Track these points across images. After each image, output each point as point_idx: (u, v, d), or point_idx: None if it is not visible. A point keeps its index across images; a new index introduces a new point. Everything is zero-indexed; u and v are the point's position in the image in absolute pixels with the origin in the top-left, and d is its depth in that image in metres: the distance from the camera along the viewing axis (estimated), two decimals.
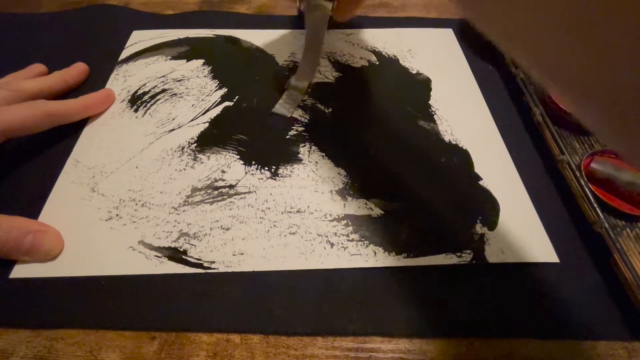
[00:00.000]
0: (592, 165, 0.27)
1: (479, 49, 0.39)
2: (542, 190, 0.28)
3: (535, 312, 0.22)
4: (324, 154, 0.30)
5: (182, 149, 0.30)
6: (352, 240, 0.25)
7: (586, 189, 0.26)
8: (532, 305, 0.23)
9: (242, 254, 0.24)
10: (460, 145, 0.30)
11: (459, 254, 0.24)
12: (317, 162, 0.29)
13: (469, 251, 0.24)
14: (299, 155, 0.29)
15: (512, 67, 0.35)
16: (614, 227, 0.25)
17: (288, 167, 0.29)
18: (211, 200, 0.27)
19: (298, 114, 0.33)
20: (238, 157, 0.29)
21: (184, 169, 0.28)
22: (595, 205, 0.25)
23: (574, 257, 0.24)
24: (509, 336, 0.22)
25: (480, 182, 0.28)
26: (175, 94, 0.34)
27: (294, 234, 0.25)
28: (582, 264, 0.24)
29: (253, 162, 0.29)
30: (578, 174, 0.26)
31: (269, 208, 0.26)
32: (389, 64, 0.38)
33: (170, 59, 0.37)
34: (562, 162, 0.28)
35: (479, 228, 0.26)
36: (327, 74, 0.36)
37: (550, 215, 0.26)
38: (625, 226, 0.25)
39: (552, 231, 0.25)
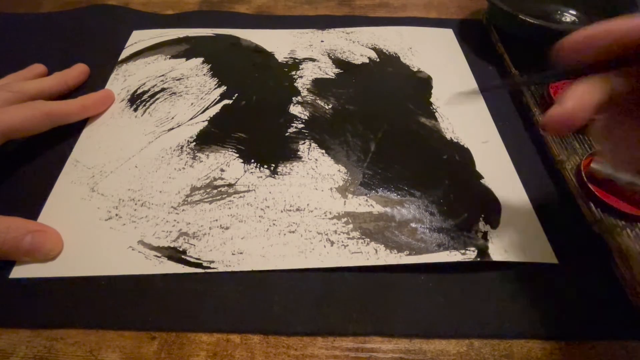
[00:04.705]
0: (592, 165, 0.27)
1: (479, 49, 0.39)
2: (541, 191, 0.28)
3: (535, 313, 0.22)
4: (323, 152, 0.30)
5: (181, 147, 0.30)
6: (353, 238, 0.25)
7: (586, 189, 0.25)
8: (532, 306, 0.23)
9: (241, 253, 0.24)
10: (461, 143, 0.30)
11: (462, 251, 0.24)
12: (316, 160, 0.29)
13: (472, 249, 0.24)
14: (299, 153, 0.29)
15: (512, 67, 0.35)
16: (614, 227, 0.25)
17: (287, 165, 0.29)
18: (210, 199, 0.27)
19: (297, 110, 0.33)
20: (237, 155, 0.29)
21: (183, 168, 0.28)
22: (595, 206, 0.25)
23: (573, 258, 0.24)
24: (510, 336, 0.22)
25: (482, 181, 0.28)
26: (174, 93, 0.34)
27: (293, 232, 0.25)
28: (582, 264, 0.24)
29: (252, 161, 0.29)
30: (578, 174, 0.26)
31: (268, 206, 0.26)
32: (389, 61, 0.38)
33: (170, 58, 0.37)
34: (561, 162, 0.28)
35: (482, 226, 0.25)
36: (327, 70, 0.36)
37: (550, 216, 0.26)
38: (625, 226, 0.25)
39: (551, 232, 0.25)
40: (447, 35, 0.41)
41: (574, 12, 0.41)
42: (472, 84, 0.35)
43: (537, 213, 0.26)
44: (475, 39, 0.40)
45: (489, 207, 0.26)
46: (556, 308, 0.22)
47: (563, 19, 0.41)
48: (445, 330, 0.22)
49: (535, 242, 0.25)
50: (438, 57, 0.38)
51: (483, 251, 0.24)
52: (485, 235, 0.25)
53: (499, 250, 0.24)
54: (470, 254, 0.24)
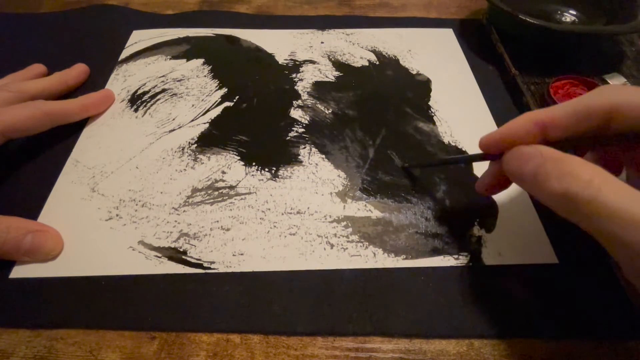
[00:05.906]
0: None
1: (479, 49, 0.39)
2: None
3: (535, 313, 0.22)
4: (324, 157, 0.30)
5: (183, 149, 0.30)
6: (352, 241, 0.25)
7: None
8: (532, 306, 0.23)
9: (242, 254, 0.24)
10: (459, 147, 0.30)
11: (456, 256, 0.24)
12: (317, 165, 0.29)
13: (465, 253, 0.24)
14: (299, 157, 0.29)
15: (512, 67, 0.35)
16: None
17: (288, 169, 0.29)
18: (211, 200, 0.27)
19: (298, 114, 0.33)
20: (238, 158, 0.29)
21: (184, 170, 0.28)
22: None
23: (573, 258, 0.24)
24: (509, 336, 0.22)
25: None
26: (175, 94, 0.34)
27: (294, 234, 0.25)
28: (582, 265, 0.24)
29: (253, 163, 0.29)
30: None
31: (269, 209, 0.26)
32: (389, 64, 0.38)
33: (170, 59, 0.37)
34: None
35: (477, 230, 0.26)
36: (327, 73, 0.36)
37: (550, 216, 0.26)
38: None
39: (551, 232, 0.25)
40: (447, 36, 0.41)
41: (574, 12, 0.41)
42: (472, 84, 0.36)
43: (537, 213, 0.26)
44: (475, 39, 0.40)
45: (485, 211, 0.27)
46: (556, 308, 0.23)
47: (563, 19, 0.41)
48: (445, 330, 0.22)
49: (535, 242, 0.25)
50: (438, 58, 0.38)
51: (476, 256, 0.24)
52: (479, 240, 0.25)
53: (493, 254, 0.24)
54: (463, 259, 0.24)
